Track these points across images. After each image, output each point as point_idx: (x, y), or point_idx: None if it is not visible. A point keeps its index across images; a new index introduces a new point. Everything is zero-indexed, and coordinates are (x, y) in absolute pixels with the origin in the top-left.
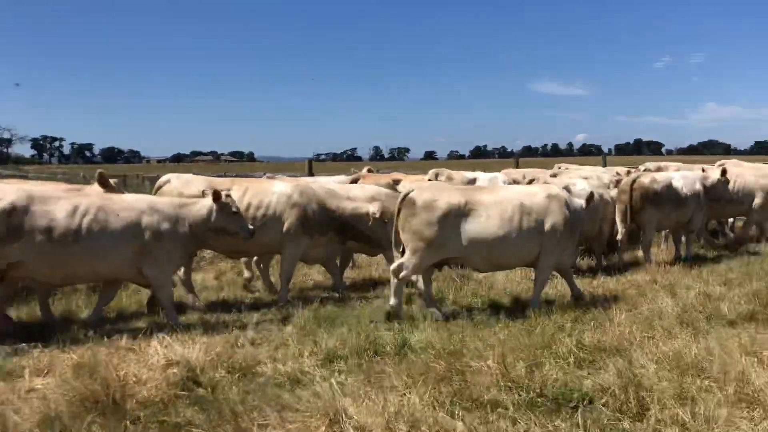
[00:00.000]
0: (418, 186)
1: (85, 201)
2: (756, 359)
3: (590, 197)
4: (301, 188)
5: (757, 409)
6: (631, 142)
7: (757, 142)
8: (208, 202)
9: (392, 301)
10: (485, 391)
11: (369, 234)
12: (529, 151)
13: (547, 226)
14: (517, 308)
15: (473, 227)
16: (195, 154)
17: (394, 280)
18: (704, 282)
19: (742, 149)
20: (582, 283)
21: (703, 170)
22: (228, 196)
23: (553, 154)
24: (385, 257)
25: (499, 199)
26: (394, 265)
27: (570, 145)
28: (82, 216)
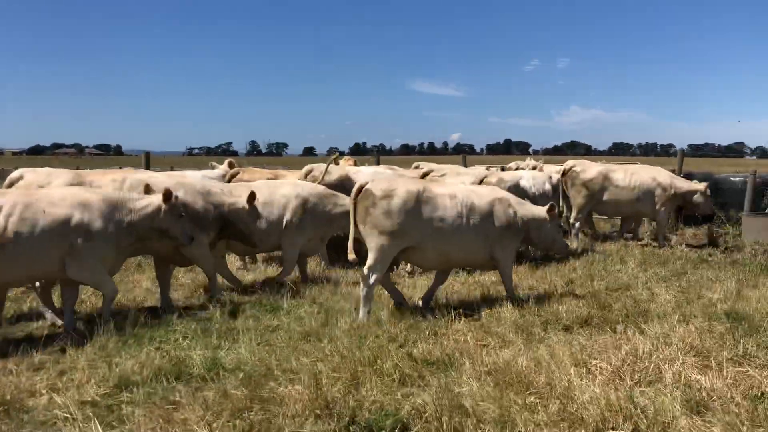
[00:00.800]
0: (371, 177)
1: (9, 200)
2: (585, 369)
3: None
4: (187, 184)
5: (579, 430)
6: (502, 141)
7: (614, 144)
8: (156, 200)
9: (361, 313)
10: (289, 422)
11: (243, 229)
12: (406, 149)
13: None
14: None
15: (432, 216)
16: (57, 146)
17: (364, 289)
18: (547, 283)
19: (602, 150)
20: (427, 283)
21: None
22: (176, 197)
23: (429, 152)
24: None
25: (453, 193)
26: (364, 270)
27: (445, 144)
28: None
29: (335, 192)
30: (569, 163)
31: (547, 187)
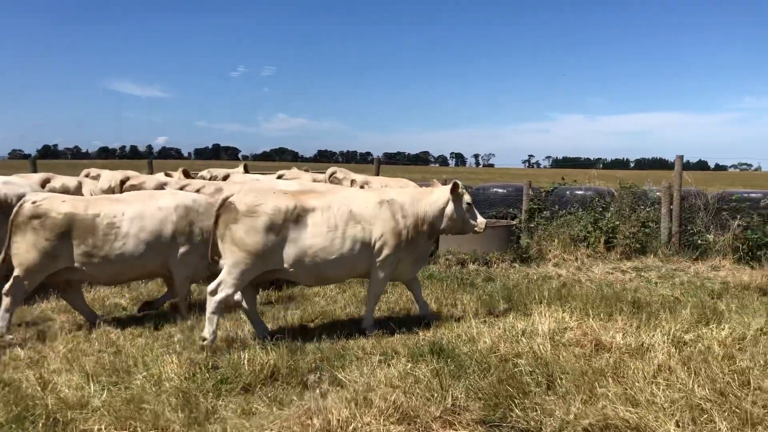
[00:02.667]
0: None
1: None
2: None
3: None
4: None
5: None
6: (210, 146)
7: (319, 151)
8: None
9: (206, 331)
10: None
11: None
12: (106, 152)
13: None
14: None
15: (303, 234)
16: None
17: (212, 303)
18: (232, 317)
19: (308, 157)
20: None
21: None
22: None
23: (132, 155)
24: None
25: (328, 204)
26: (211, 286)
27: (150, 147)
28: None
29: None
30: (332, 169)
31: None
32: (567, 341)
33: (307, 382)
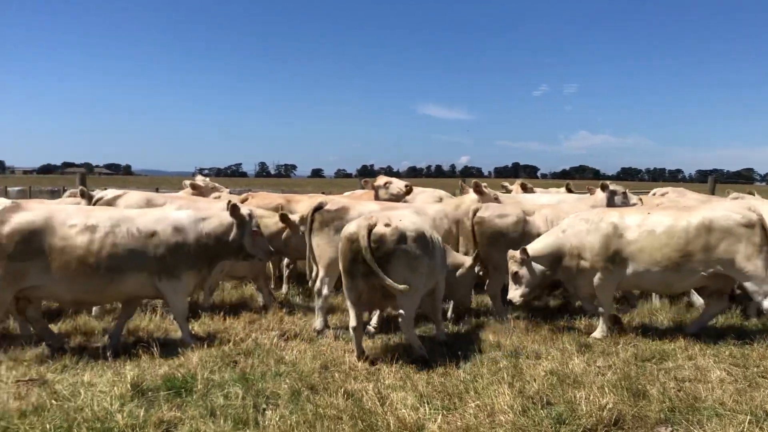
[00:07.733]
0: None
1: None
2: None
3: None
4: None
5: None
6: (510, 165)
7: (623, 168)
8: None
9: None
10: None
11: None
12: (414, 172)
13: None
14: None
15: None
16: (67, 165)
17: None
18: (558, 346)
19: (610, 174)
20: None
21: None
22: None
23: (436, 175)
24: None
25: None
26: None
27: (453, 167)
28: None
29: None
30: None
31: None
32: None
33: None
